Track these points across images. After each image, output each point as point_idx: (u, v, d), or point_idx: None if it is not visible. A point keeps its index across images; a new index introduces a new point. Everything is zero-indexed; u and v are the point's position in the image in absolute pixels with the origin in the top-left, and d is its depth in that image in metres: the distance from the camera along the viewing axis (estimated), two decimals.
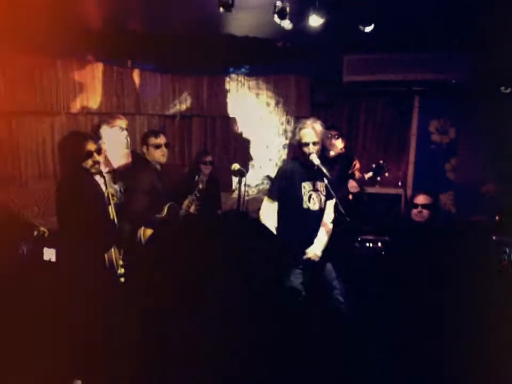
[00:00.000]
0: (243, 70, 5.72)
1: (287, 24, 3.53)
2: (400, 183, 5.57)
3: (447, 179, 5.46)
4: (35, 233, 3.46)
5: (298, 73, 5.66)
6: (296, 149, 3.47)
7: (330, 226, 3.38)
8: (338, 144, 4.47)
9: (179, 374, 1.16)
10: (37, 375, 2.52)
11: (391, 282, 3.47)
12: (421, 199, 3.74)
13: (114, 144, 3.21)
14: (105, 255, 2.85)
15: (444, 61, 4.89)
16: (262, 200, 3.49)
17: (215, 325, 1.16)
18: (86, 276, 2.64)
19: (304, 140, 3.19)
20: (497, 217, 4.36)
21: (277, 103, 5.75)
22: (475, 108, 5.13)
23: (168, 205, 3.54)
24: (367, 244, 4.40)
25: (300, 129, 3.24)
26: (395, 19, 3.75)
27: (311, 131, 3.19)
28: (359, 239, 4.41)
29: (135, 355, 1.24)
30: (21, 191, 4.08)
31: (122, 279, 2.77)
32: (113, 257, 2.87)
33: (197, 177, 3.94)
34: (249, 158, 5.82)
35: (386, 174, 4.33)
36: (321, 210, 3.33)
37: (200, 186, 3.85)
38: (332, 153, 4.42)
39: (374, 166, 4.31)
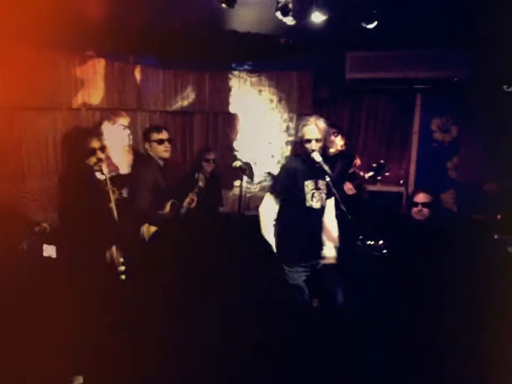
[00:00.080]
0: (245, 66, 5.71)
1: (289, 20, 3.52)
2: (401, 181, 5.56)
3: (449, 177, 5.46)
4: (37, 229, 3.45)
5: (300, 70, 5.64)
6: (298, 145, 3.46)
7: (335, 223, 3.40)
8: (338, 141, 4.47)
9: (180, 370, 1.16)
10: (36, 370, 2.53)
11: (392, 281, 3.47)
12: (421, 197, 3.74)
13: (116, 141, 3.20)
14: (106, 252, 2.85)
15: (446, 59, 4.87)
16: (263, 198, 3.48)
17: (217, 323, 1.16)
18: (86, 273, 2.64)
19: (307, 137, 3.18)
20: (499, 216, 4.35)
21: (279, 100, 5.74)
22: (477, 106, 5.11)
23: (170, 202, 3.54)
24: (368, 242, 4.40)
25: (303, 125, 3.22)
26: (398, 16, 3.74)
27: (315, 128, 3.18)
28: (360, 237, 4.41)
29: (136, 352, 1.24)
30: (22, 187, 4.07)
31: (123, 276, 2.77)
32: (114, 254, 2.87)
33: (196, 174, 3.94)
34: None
35: (387, 174, 4.33)
36: (323, 208, 3.33)
37: (200, 184, 3.85)
38: (332, 150, 4.43)
39: (375, 165, 4.31)
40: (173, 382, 1.19)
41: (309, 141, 3.17)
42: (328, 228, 3.39)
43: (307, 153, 3.20)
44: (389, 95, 5.61)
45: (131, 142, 3.85)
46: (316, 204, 3.26)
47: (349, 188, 4.27)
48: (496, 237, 3.86)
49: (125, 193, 3.29)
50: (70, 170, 2.92)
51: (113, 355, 1.32)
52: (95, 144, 2.84)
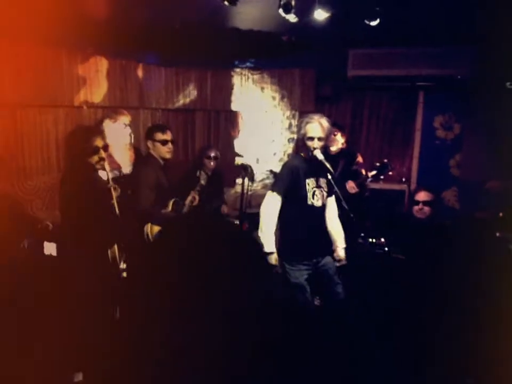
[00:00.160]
0: (248, 63, 5.69)
1: (292, 17, 3.51)
2: (404, 179, 5.55)
3: (451, 175, 5.44)
4: (39, 226, 3.46)
5: (303, 67, 5.63)
6: (300, 143, 3.45)
7: (340, 225, 3.40)
8: (339, 139, 4.46)
9: (181, 371, 1.16)
10: (38, 367, 2.54)
11: (394, 279, 3.47)
12: (421, 195, 3.73)
13: (118, 140, 3.20)
14: (108, 250, 2.86)
15: (449, 56, 4.85)
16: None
17: (219, 323, 1.16)
18: (88, 271, 2.64)
19: (310, 134, 3.17)
20: (501, 214, 4.34)
21: (282, 97, 5.73)
22: (480, 104, 5.08)
23: (172, 201, 3.54)
24: (370, 240, 4.39)
25: (307, 123, 3.21)
26: (400, 14, 3.73)
27: (318, 126, 3.17)
28: (362, 235, 4.41)
29: (137, 350, 1.24)
30: (24, 184, 4.08)
31: (124, 274, 2.78)
32: (116, 252, 2.87)
33: (198, 172, 3.93)
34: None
35: (390, 173, 4.31)
36: (324, 206, 3.33)
37: (202, 182, 3.84)
38: (333, 148, 4.42)
39: (378, 164, 4.29)
40: (174, 381, 1.19)
41: (312, 138, 3.17)
42: (334, 230, 3.40)
43: (308, 151, 3.20)
44: (392, 92, 5.59)
45: (132, 140, 3.85)
46: (317, 202, 3.25)
47: (351, 186, 4.26)
48: (498, 234, 3.84)
49: (128, 192, 3.29)
50: (72, 168, 2.92)
51: (114, 353, 1.33)
52: (97, 142, 2.84)
